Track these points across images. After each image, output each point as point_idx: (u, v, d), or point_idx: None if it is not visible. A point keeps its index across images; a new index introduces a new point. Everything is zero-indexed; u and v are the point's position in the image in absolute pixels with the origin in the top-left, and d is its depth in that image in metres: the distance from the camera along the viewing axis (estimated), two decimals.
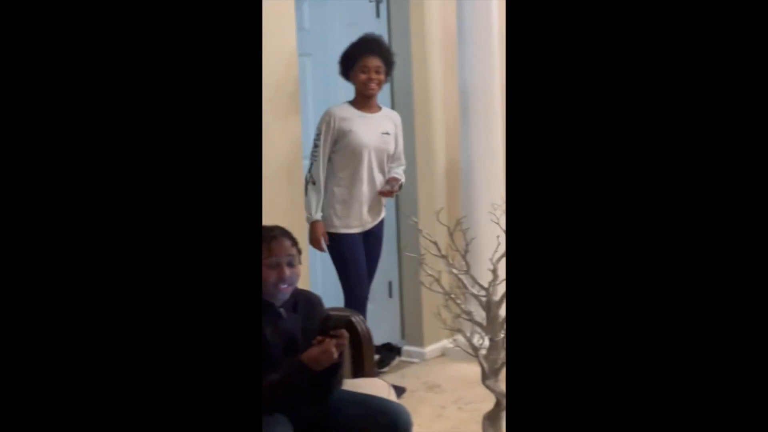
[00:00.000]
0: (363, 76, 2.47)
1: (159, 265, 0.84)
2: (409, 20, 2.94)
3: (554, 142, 0.84)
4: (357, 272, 2.56)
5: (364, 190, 2.54)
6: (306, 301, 1.62)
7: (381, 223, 2.63)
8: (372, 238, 2.61)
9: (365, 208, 2.56)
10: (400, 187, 2.62)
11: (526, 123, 0.87)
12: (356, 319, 1.86)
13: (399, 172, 2.66)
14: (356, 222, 2.55)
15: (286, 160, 2.41)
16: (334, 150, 2.50)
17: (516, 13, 0.88)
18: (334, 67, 2.63)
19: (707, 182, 0.79)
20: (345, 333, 1.47)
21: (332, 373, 1.50)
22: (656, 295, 0.80)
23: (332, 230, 2.53)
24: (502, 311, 1.40)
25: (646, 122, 0.81)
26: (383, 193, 2.58)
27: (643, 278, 0.81)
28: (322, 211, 2.50)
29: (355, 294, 2.54)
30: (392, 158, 2.63)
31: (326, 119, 2.49)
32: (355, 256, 2.56)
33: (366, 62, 2.47)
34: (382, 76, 2.52)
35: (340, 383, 1.59)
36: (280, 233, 1.57)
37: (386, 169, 2.61)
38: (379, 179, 2.58)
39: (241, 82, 0.88)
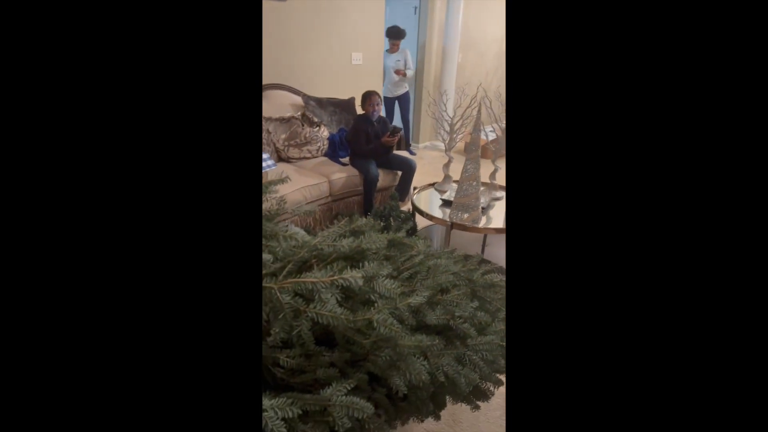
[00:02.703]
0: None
1: (160, 252, 0.82)
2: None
3: (553, 145, 0.82)
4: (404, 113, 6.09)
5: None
6: (382, 121, 4.35)
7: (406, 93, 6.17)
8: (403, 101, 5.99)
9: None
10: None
11: (524, 122, 0.84)
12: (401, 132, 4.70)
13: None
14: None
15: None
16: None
17: (516, 16, 0.85)
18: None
19: (705, 182, 0.76)
20: (401, 133, 4.26)
21: (391, 148, 4.27)
22: (656, 298, 0.78)
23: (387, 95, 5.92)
24: None
25: (645, 129, 0.78)
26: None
27: (642, 280, 0.78)
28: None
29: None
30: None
31: None
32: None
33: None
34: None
35: (392, 150, 4.35)
36: (373, 93, 4.21)
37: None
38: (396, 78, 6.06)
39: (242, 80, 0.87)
